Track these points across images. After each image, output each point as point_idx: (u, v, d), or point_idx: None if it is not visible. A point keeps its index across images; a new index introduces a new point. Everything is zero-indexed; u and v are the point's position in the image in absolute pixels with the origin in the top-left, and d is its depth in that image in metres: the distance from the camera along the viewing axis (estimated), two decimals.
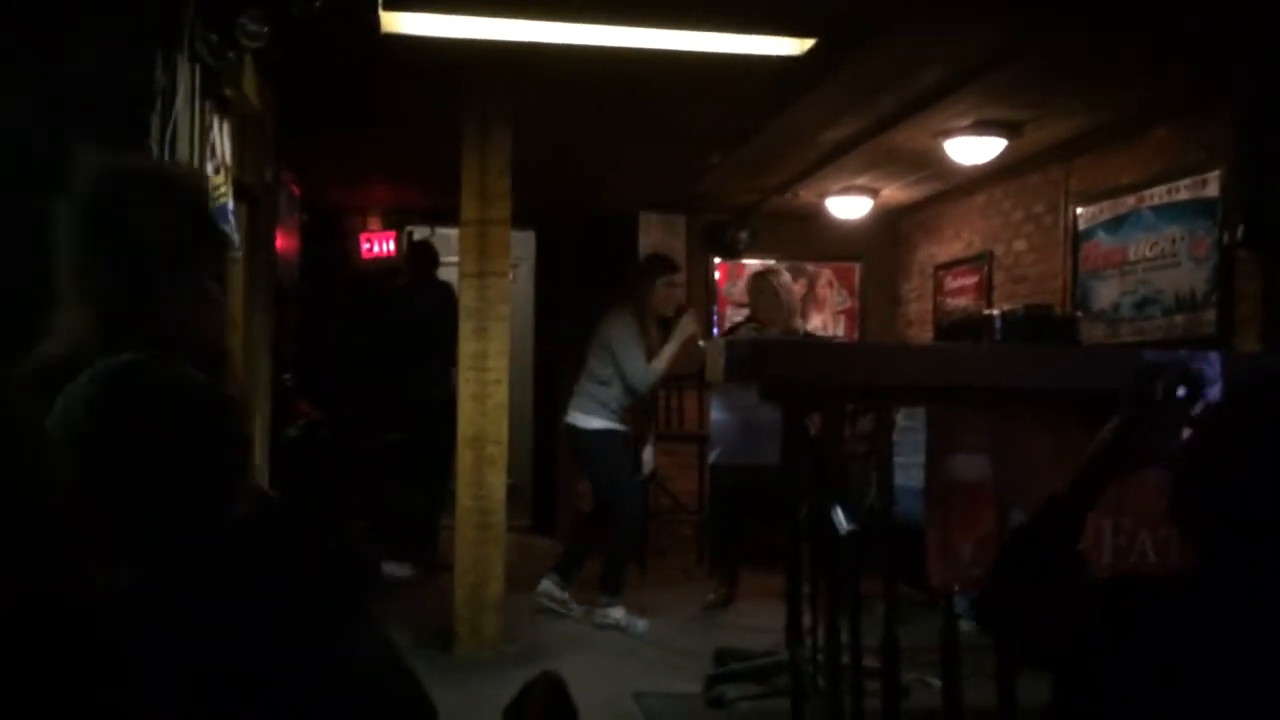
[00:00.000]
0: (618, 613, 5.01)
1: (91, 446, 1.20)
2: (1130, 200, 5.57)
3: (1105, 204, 5.76)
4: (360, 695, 1.22)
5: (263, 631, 1.15)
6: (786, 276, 5.31)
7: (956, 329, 5.22)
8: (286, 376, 6.28)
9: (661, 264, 5.38)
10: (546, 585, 5.16)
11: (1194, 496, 1.30)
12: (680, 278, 5.26)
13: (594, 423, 5.13)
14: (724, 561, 5.38)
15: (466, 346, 4.53)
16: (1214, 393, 3.06)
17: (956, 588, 3.43)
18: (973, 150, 5.66)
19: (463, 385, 4.52)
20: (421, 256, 6.96)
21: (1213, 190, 5.01)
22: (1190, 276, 5.15)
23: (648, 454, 5.38)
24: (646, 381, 5.06)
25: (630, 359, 5.04)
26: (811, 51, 4.24)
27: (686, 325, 5.06)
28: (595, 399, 5.13)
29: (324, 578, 1.26)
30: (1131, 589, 1.34)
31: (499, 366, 4.54)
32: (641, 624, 4.96)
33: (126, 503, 1.21)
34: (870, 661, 3.20)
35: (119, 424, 1.22)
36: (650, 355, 5.07)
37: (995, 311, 5.92)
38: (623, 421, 5.17)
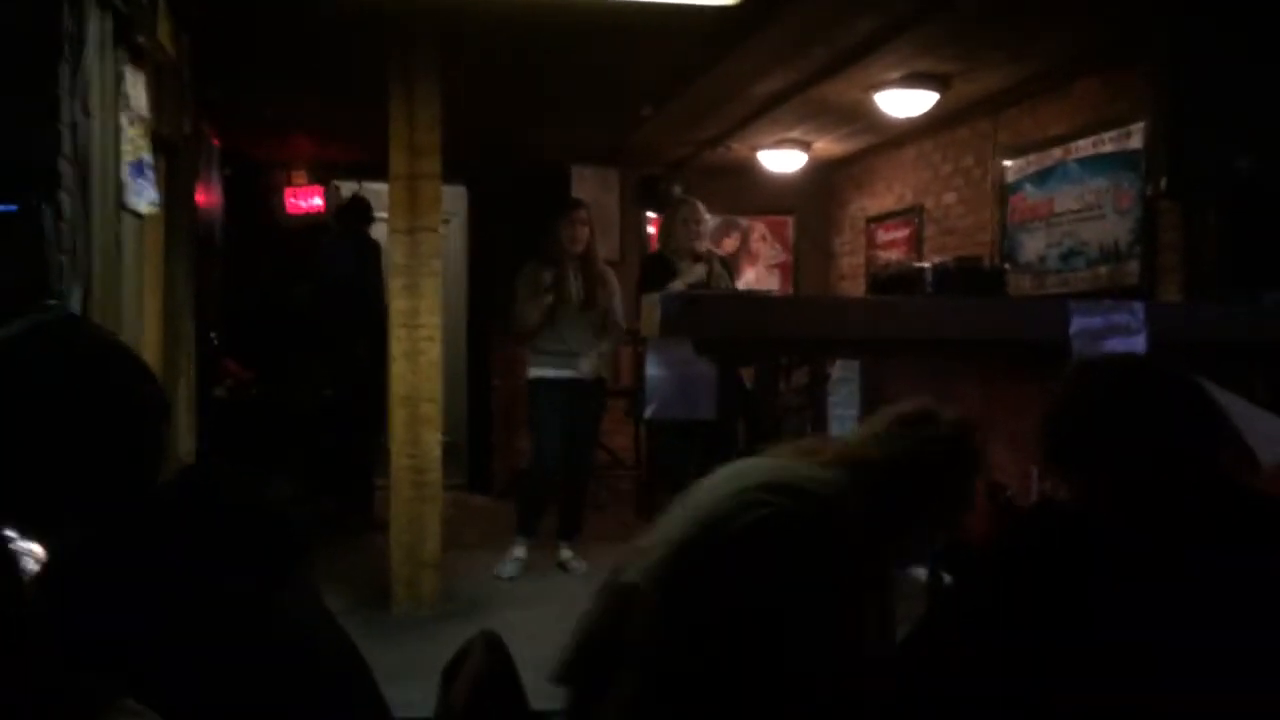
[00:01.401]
0: (515, 549, 5.10)
1: (11, 403, 1.15)
2: (1056, 153, 5.65)
3: (1032, 157, 5.84)
4: (296, 658, 1.20)
5: (194, 597, 1.12)
6: (701, 207, 5.35)
7: (891, 282, 5.27)
8: (213, 335, 6.14)
9: (561, 205, 5.39)
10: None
11: (1066, 448, 1.53)
12: (581, 215, 5.19)
13: (529, 371, 5.21)
14: None
15: (398, 304, 4.45)
16: (1139, 343, 3.13)
17: None
18: (903, 103, 5.68)
19: (394, 343, 4.45)
20: (353, 211, 6.82)
21: (1137, 142, 5.11)
22: (1114, 228, 5.26)
23: (585, 364, 5.25)
24: (518, 324, 5.11)
25: (514, 304, 5.14)
26: (744, 1, 4.20)
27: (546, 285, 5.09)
28: (531, 348, 5.19)
29: (254, 540, 1.23)
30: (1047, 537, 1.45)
31: (431, 324, 4.47)
32: (509, 567, 5.03)
33: (46, 469, 1.17)
34: None
35: (32, 384, 1.17)
36: (565, 294, 5.06)
37: (926, 264, 6.00)
38: (568, 365, 5.10)
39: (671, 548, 1.62)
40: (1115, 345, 3.06)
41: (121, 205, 3.36)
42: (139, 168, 3.48)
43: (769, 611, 1.45)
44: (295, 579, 1.28)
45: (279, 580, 1.22)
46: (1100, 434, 1.48)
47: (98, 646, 1.04)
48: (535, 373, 5.15)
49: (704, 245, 5.30)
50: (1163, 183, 4.24)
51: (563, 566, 5.15)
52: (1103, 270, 5.33)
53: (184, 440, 4.69)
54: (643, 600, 1.60)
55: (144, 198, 3.53)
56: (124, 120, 3.36)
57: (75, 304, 2.90)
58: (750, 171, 7.55)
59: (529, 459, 5.36)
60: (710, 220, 5.40)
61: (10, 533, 1.24)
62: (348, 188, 7.70)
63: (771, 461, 1.75)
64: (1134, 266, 5.13)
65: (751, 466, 1.76)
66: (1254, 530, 1.37)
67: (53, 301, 2.83)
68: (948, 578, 3.23)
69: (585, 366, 5.14)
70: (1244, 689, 1.26)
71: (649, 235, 8.00)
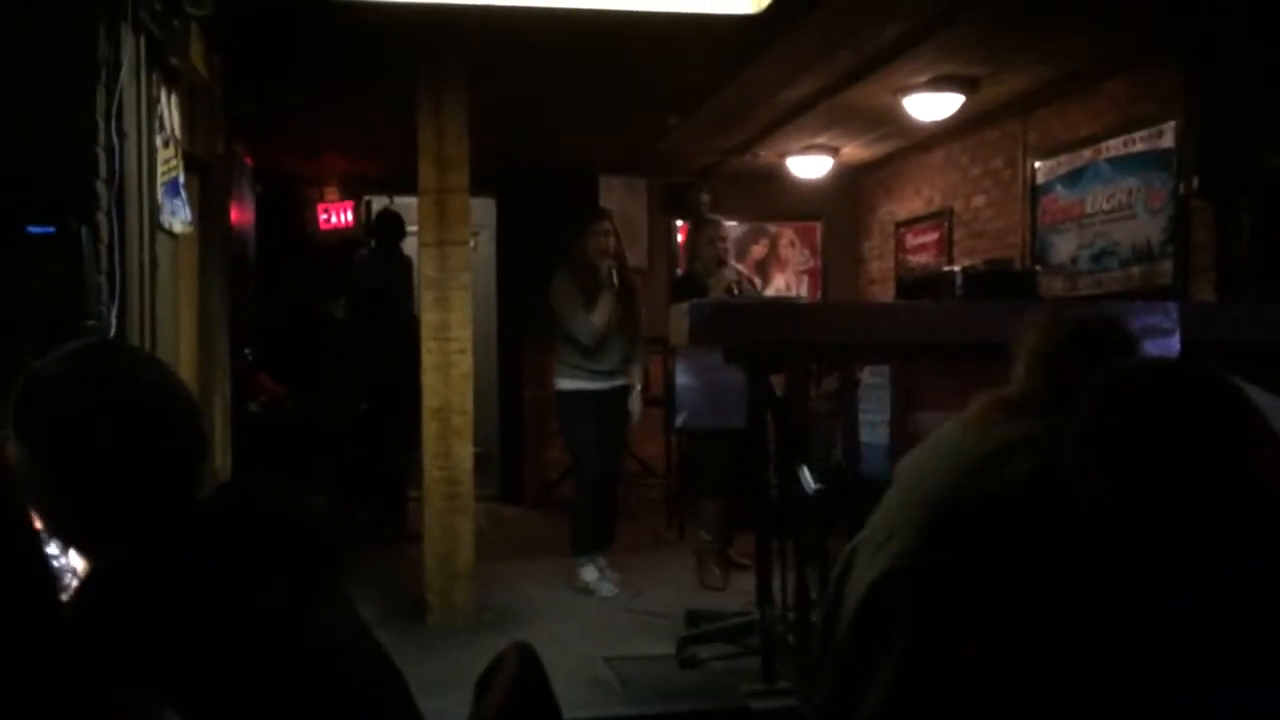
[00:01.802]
0: (588, 574, 5.03)
1: (50, 431, 1.19)
2: (1087, 153, 5.60)
3: (1062, 157, 5.79)
4: (330, 669, 1.22)
5: (231, 610, 1.14)
6: (725, 225, 5.35)
7: (918, 286, 5.26)
8: (247, 351, 6.21)
9: (587, 214, 5.32)
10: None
11: (1099, 452, 1.51)
12: (606, 225, 5.13)
13: (562, 384, 5.12)
14: (722, 533, 5.25)
15: (429, 317, 4.49)
16: (1174, 344, 3.10)
17: None
18: (931, 106, 5.66)
19: (426, 356, 4.49)
20: (387, 226, 6.87)
21: (1168, 141, 5.05)
22: (1146, 228, 5.20)
23: (633, 402, 5.29)
24: (588, 332, 4.98)
25: (567, 313, 5.03)
26: (768, 9, 4.20)
27: (610, 276, 5.00)
28: (562, 360, 5.13)
29: (291, 553, 1.25)
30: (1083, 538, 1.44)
31: (462, 336, 4.50)
32: (607, 586, 4.97)
33: (88, 489, 1.21)
34: None
35: (74, 409, 1.21)
36: (591, 304, 5.01)
37: (956, 268, 5.97)
38: (604, 378, 5.07)
39: (924, 526, 1.62)
40: (1150, 347, 3.03)
41: (157, 225, 3.42)
42: (173, 188, 3.54)
43: (1058, 564, 1.45)
44: (331, 591, 1.29)
45: (315, 592, 1.24)
46: (1133, 438, 1.47)
47: (136, 659, 1.06)
48: (568, 385, 5.09)
49: (730, 261, 5.32)
50: (1195, 182, 4.20)
51: None
52: (1135, 270, 5.27)
53: (219, 455, 4.74)
54: (908, 581, 1.59)
55: (178, 217, 3.59)
56: (158, 141, 3.41)
57: (112, 323, 2.95)
58: (778, 178, 7.54)
59: (577, 475, 5.23)
60: (735, 228, 5.42)
61: (53, 550, 1.27)
62: (379, 202, 7.77)
63: (972, 431, 1.73)
64: (1167, 266, 5.07)
65: (959, 440, 1.74)
66: None
67: (91, 322, 2.88)
68: None
69: (635, 411, 5.21)
70: (1269, 693, 1.25)
71: (678, 243, 8.01)
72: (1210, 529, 1.36)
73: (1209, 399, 1.47)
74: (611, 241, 5.12)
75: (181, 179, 3.65)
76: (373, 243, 7.01)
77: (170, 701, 0.92)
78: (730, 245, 5.35)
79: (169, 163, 3.51)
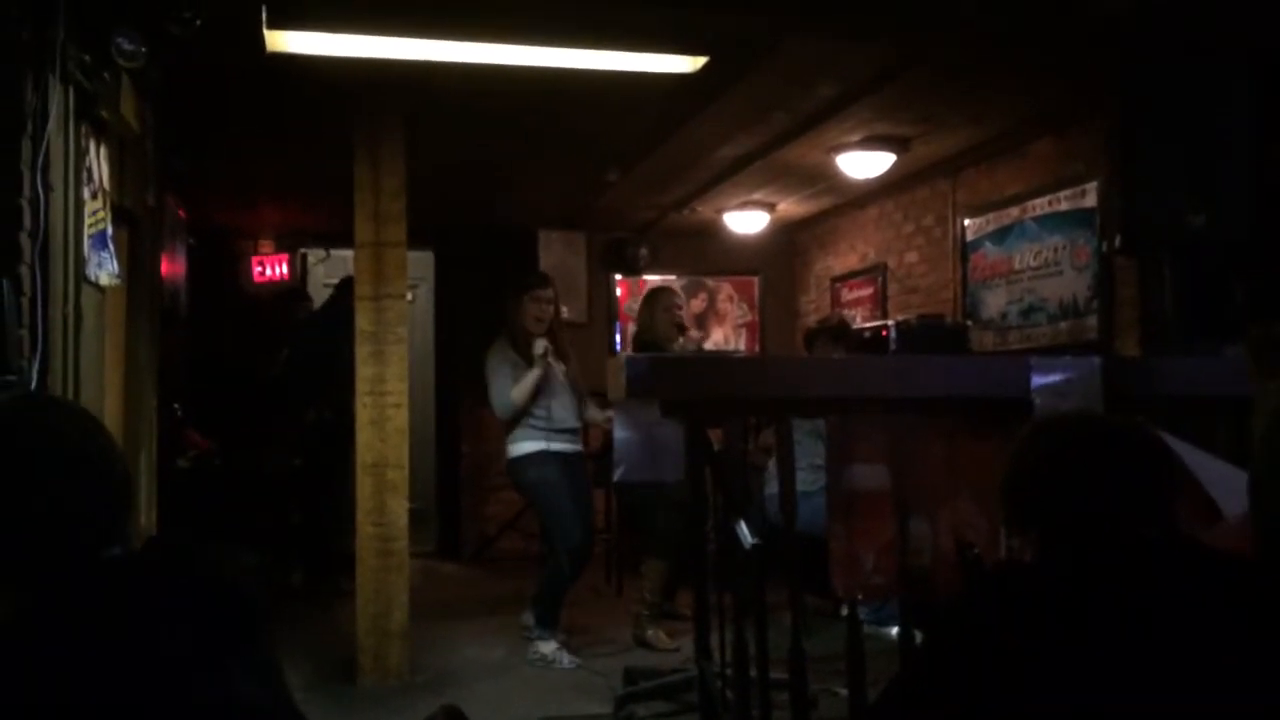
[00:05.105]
0: (546, 646, 4.71)
1: None
2: (1014, 211, 5.75)
3: (991, 215, 5.94)
4: None
5: (136, 667, 1.11)
6: (680, 294, 5.22)
7: (812, 336, 5.38)
8: (176, 406, 6.08)
9: (525, 280, 4.99)
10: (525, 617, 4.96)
11: (1024, 507, 1.56)
12: (549, 293, 4.84)
13: (521, 448, 4.83)
14: (668, 590, 5.11)
15: (364, 371, 4.43)
16: (1097, 398, 3.16)
17: (860, 596, 3.47)
18: (863, 165, 5.78)
19: (360, 410, 4.43)
20: (348, 288, 6.71)
21: (1091, 200, 5.21)
22: (1072, 284, 5.34)
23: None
24: (503, 408, 4.77)
25: (492, 387, 4.81)
26: (704, 69, 4.28)
27: (539, 353, 4.72)
28: (516, 424, 4.84)
29: (207, 614, 1.22)
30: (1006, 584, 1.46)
31: (398, 390, 4.45)
32: (567, 657, 4.68)
33: None
34: (778, 673, 3.22)
35: None
36: (518, 378, 4.75)
37: (890, 322, 6.06)
38: (566, 438, 4.81)
39: None
40: (1075, 401, 3.09)
41: (83, 278, 3.34)
42: (101, 240, 3.47)
43: None
44: (250, 653, 1.26)
45: (231, 654, 1.20)
46: (1053, 493, 1.49)
47: (26, 711, 1.03)
48: (529, 447, 4.77)
49: (690, 328, 5.18)
50: (1117, 240, 4.32)
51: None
52: (1062, 326, 5.40)
53: (144, 512, 4.61)
54: None
55: (105, 270, 3.52)
56: (86, 193, 3.35)
57: (34, 378, 2.87)
58: (716, 233, 7.63)
59: (559, 543, 4.77)
60: (673, 282, 5.35)
61: None
62: (315, 255, 7.70)
63: None
64: (1093, 321, 5.20)
65: None
66: (1207, 589, 1.37)
67: (11, 376, 2.80)
68: (919, 635, 3.21)
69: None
70: None
71: (617, 297, 8.04)
72: (1131, 585, 1.37)
73: (1127, 451, 1.49)
74: (550, 310, 4.84)
75: (110, 231, 3.58)
76: (331, 300, 6.74)
77: None
78: (687, 312, 5.18)
79: (97, 215, 3.44)
